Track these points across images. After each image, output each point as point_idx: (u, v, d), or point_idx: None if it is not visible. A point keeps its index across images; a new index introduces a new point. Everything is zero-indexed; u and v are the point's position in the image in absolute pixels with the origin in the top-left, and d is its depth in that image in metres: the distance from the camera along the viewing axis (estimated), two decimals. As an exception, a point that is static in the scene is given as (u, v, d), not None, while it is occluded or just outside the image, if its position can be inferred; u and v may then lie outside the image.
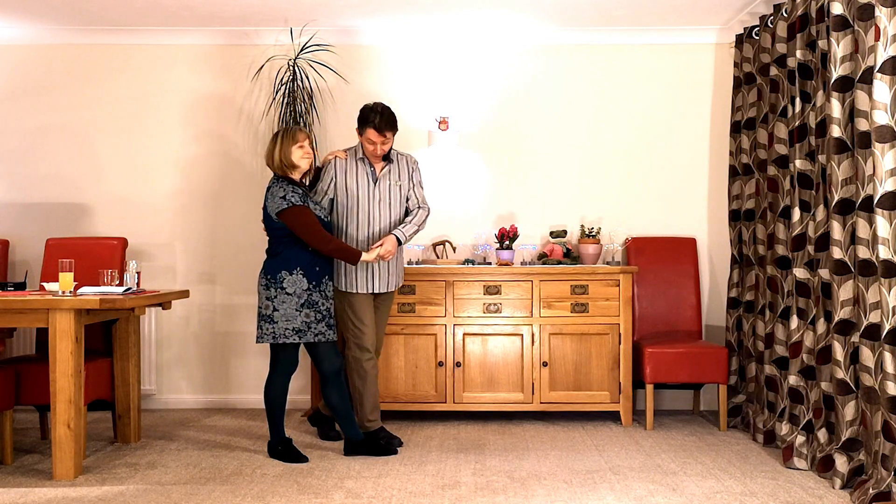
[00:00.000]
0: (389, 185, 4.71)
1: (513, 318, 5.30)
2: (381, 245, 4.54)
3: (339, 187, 4.67)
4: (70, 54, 5.89)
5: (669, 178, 5.86)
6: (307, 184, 4.68)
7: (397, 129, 4.66)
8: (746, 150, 5.32)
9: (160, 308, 5.51)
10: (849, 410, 3.94)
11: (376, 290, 4.70)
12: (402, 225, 4.67)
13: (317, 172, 4.77)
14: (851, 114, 3.91)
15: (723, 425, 5.17)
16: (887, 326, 3.58)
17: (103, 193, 5.89)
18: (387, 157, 4.74)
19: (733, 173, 5.56)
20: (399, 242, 4.61)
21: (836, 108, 3.96)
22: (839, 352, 3.98)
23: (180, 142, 5.91)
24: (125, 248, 5.32)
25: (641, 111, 5.88)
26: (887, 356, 3.58)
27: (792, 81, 4.58)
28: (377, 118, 4.54)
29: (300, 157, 4.42)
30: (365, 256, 4.49)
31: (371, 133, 4.57)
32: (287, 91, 5.57)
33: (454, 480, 4.08)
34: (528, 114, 5.88)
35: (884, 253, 3.61)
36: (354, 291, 4.65)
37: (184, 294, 4.87)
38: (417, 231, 4.73)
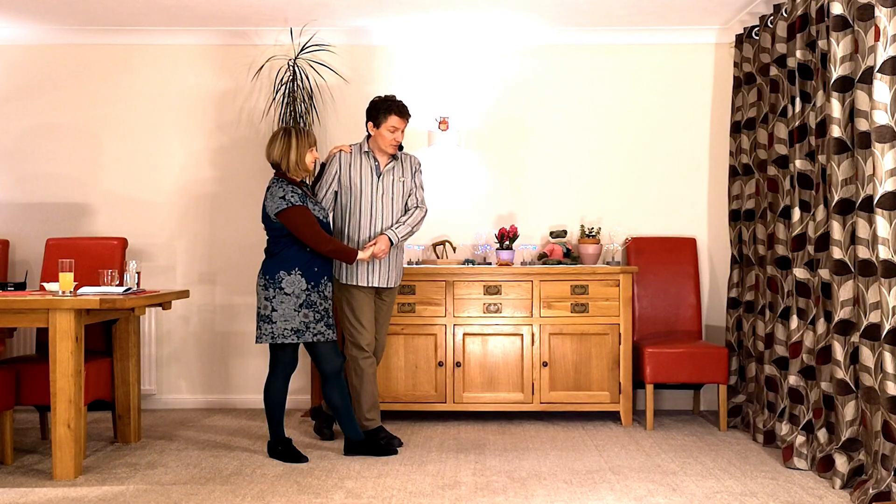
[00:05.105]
0: (393, 180, 4.73)
1: (513, 318, 5.30)
2: (375, 244, 4.57)
3: (342, 180, 4.70)
4: (70, 54, 5.89)
5: (669, 178, 5.86)
6: (310, 180, 4.71)
7: None
8: (746, 151, 5.32)
9: (160, 308, 5.52)
10: (849, 410, 3.94)
11: (377, 284, 4.70)
12: (397, 225, 4.68)
13: (321, 167, 4.79)
14: (851, 114, 3.91)
15: (723, 425, 5.17)
16: (887, 326, 3.58)
17: (103, 193, 5.89)
18: (392, 154, 4.76)
19: (733, 173, 5.56)
20: (391, 243, 4.63)
21: (836, 109, 3.96)
22: (839, 352, 3.98)
23: (180, 142, 5.91)
24: (125, 248, 5.32)
25: (641, 111, 5.87)
26: (887, 356, 3.58)
27: (792, 81, 4.58)
28: (399, 104, 4.71)
29: (311, 162, 4.46)
30: (360, 255, 4.51)
31: (394, 119, 4.67)
32: (287, 91, 5.57)
33: (454, 480, 4.08)
34: (527, 114, 5.88)
35: (884, 253, 3.61)
36: (355, 283, 4.66)
37: (184, 294, 4.87)
38: (411, 232, 4.74)
